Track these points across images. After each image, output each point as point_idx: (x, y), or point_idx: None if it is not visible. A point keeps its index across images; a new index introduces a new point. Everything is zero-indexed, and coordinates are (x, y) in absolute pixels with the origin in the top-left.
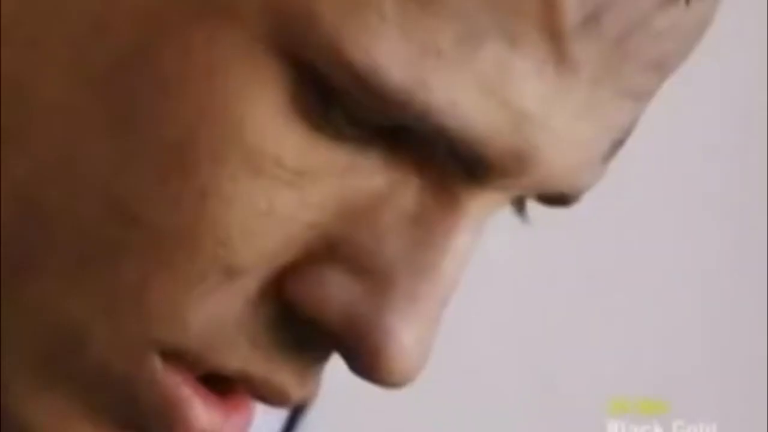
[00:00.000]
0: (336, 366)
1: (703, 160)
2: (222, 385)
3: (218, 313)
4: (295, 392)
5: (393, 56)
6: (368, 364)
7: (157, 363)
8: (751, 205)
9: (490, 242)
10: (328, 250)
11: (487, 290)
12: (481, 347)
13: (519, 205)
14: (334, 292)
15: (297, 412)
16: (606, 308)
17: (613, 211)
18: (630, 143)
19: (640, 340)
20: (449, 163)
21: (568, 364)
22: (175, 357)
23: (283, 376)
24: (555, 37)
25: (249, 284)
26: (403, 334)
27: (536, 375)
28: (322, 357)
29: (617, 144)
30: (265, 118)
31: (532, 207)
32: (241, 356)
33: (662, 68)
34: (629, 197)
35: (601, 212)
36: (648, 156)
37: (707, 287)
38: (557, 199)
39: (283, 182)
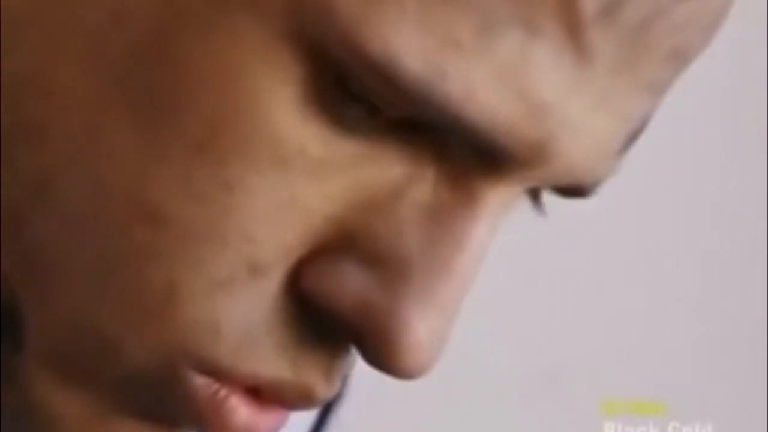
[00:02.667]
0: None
1: (702, 162)
2: (255, 392)
3: (247, 318)
4: (323, 391)
5: (412, 47)
6: (382, 355)
7: (192, 377)
8: (749, 207)
9: None
10: (345, 241)
11: (482, 291)
12: (476, 348)
13: (534, 196)
14: (350, 282)
15: (327, 410)
16: (602, 309)
17: (607, 214)
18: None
19: (635, 342)
20: (466, 155)
21: (563, 365)
22: (210, 371)
23: (310, 375)
24: (573, 28)
25: (271, 282)
26: (419, 326)
27: (532, 376)
28: (345, 352)
29: (633, 135)
30: (286, 109)
31: (522, 208)
32: (271, 361)
33: (680, 59)
34: (623, 200)
35: (595, 215)
36: (645, 158)
37: (703, 288)
38: (573, 190)
39: (303, 174)
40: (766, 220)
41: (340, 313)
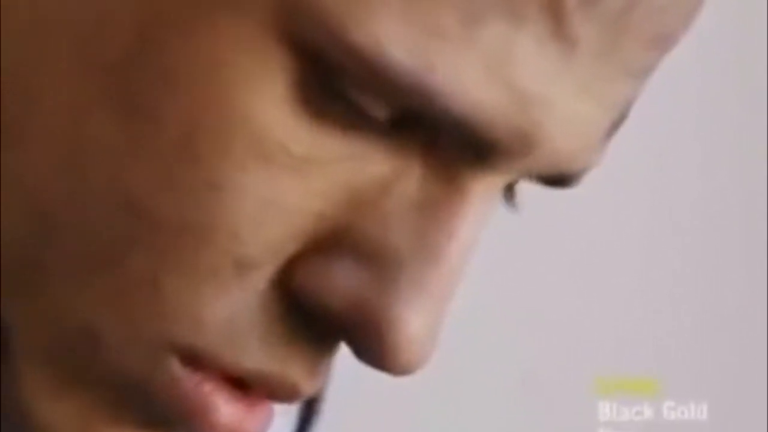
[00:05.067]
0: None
1: (694, 150)
2: (240, 384)
3: (231, 311)
4: (307, 386)
5: (397, 39)
6: (375, 353)
7: (174, 365)
8: (746, 190)
9: None
10: (335, 238)
11: (472, 271)
12: (467, 329)
13: (509, 193)
14: (341, 279)
15: (309, 412)
16: (595, 287)
17: (600, 194)
18: (621, 134)
19: (630, 320)
20: (453, 146)
21: (557, 344)
22: (192, 358)
23: (295, 371)
24: (557, 14)
25: (259, 278)
26: (410, 322)
27: (526, 355)
28: (331, 349)
29: (617, 122)
30: (271, 105)
31: (521, 189)
32: (255, 354)
33: (662, 44)
34: (617, 180)
35: (588, 194)
36: (634, 143)
37: (698, 266)
38: (558, 180)
39: (289, 170)
40: (765, 203)
41: (331, 311)
